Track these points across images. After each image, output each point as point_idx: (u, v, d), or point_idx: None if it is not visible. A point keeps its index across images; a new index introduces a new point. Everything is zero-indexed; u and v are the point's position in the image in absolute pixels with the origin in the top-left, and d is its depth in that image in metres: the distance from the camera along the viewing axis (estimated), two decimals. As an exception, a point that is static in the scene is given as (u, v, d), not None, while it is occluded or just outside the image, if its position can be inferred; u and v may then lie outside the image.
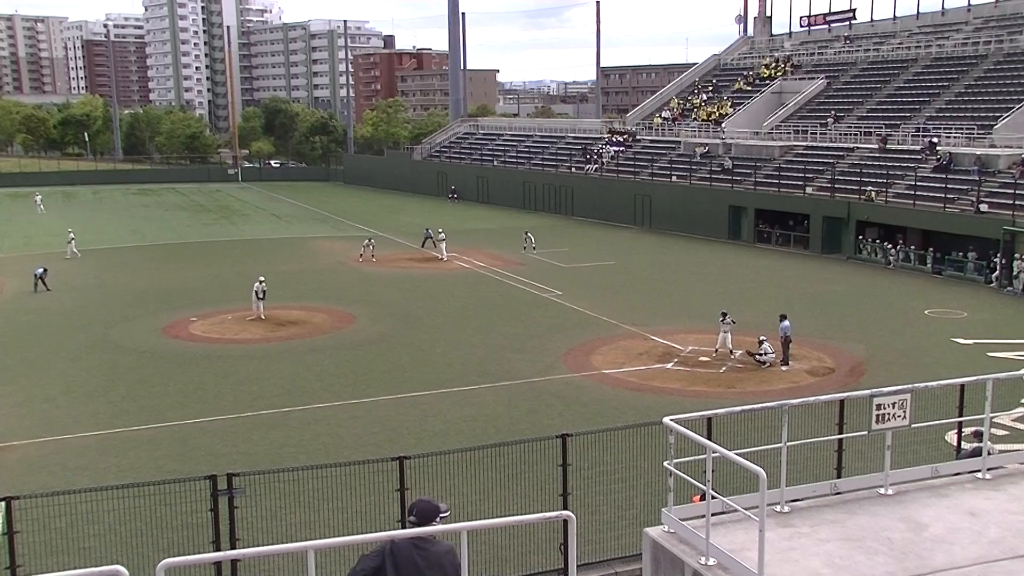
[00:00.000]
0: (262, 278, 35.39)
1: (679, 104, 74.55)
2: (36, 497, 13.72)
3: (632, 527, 14.19)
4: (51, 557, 13.63)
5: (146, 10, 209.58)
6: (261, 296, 34.49)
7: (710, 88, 74.42)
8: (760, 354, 27.51)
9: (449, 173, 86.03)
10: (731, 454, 7.37)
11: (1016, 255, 39.19)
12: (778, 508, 8.33)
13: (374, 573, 6.31)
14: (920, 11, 66.40)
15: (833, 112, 60.74)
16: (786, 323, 27.73)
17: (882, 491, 8.80)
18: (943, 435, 17.82)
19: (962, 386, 14.84)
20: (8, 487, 16.10)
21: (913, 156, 50.79)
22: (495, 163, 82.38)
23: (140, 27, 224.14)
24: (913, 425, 8.92)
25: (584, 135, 79.59)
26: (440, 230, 50.90)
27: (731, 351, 28.46)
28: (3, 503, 13.17)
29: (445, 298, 38.68)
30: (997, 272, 40.17)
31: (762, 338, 27.81)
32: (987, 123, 49.79)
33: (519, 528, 14.42)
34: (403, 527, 6.76)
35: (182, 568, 5.42)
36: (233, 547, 13.36)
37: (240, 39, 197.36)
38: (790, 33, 75.77)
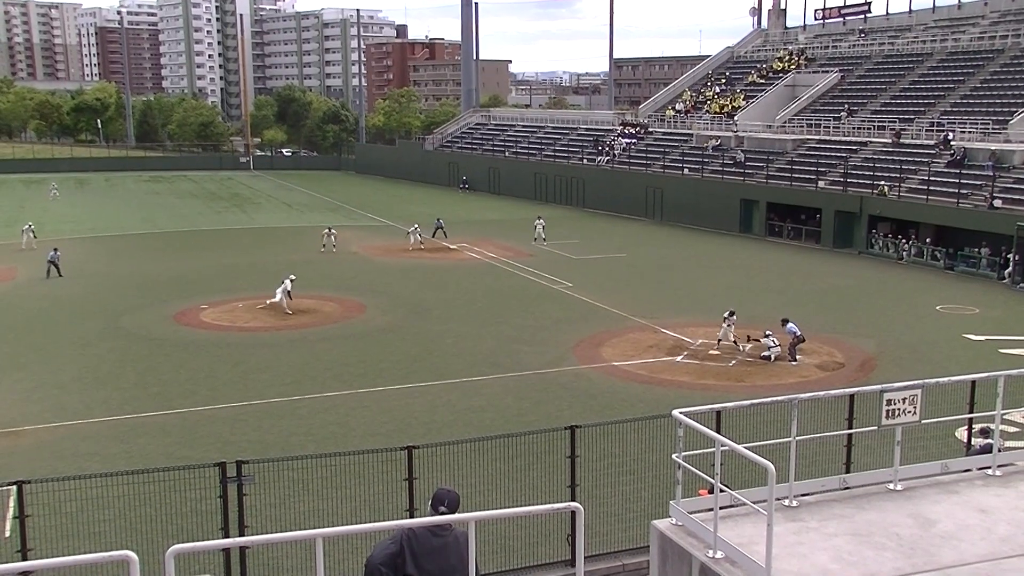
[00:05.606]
0: (293, 276, 34.46)
1: (692, 96, 74.28)
2: (47, 482, 13.80)
3: (640, 519, 14.19)
4: (62, 541, 13.71)
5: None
6: (283, 286, 33.66)
7: (723, 81, 74.14)
8: (767, 347, 27.44)
9: (460, 163, 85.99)
10: (740, 447, 7.35)
11: (1029, 251, 38.99)
12: (786, 502, 8.32)
13: (392, 559, 6.38)
14: (936, 5, 65.94)
15: (847, 106, 60.43)
16: (791, 325, 27.58)
17: (891, 486, 8.78)
18: (953, 431, 17.75)
19: (973, 382, 14.76)
20: (20, 471, 16.21)
21: (927, 151, 50.53)
22: (507, 154, 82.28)
23: (153, 14, 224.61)
24: (923, 421, 8.88)
25: (596, 127, 79.44)
26: (416, 225, 50.22)
27: (736, 343, 28.39)
28: (15, 487, 13.26)
29: (455, 289, 38.70)
30: (1010, 268, 39.96)
31: (768, 332, 27.74)
32: (1002, 118, 49.46)
33: (527, 519, 14.45)
34: (429, 514, 6.83)
35: (191, 554, 5.44)
36: (242, 534, 13.42)
37: (253, 27, 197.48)
38: (804, 26, 75.37)
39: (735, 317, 28.71)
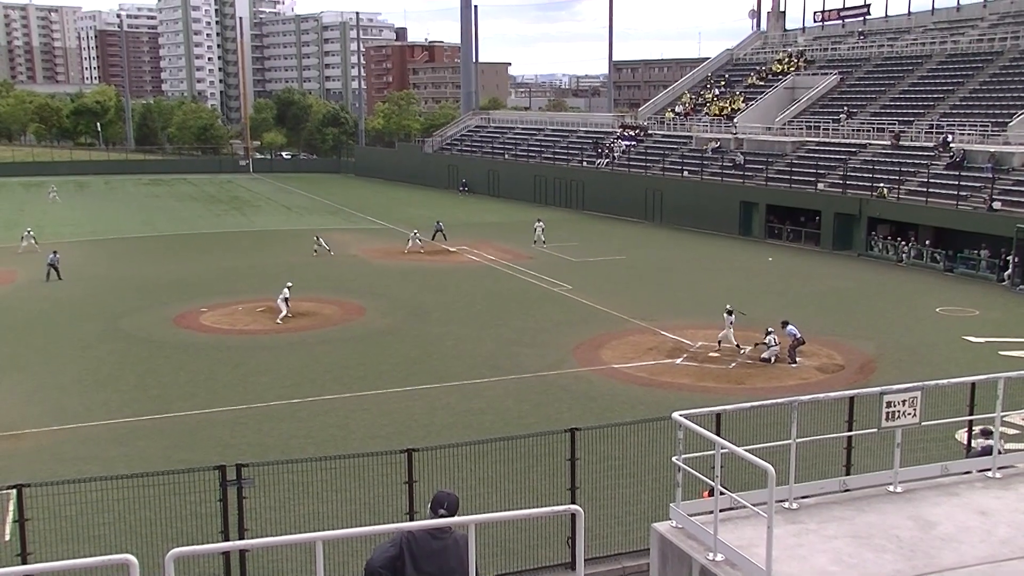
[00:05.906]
0: (290, 284, 34.33)
1: (691, 99, 74.33)
2: (47, 485, 13.80)
3: (640, 522, 14.19)
4: (61, 545, 13.71)
5: (159, 0, 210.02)
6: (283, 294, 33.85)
7: (722, 83, 74.18)
8: (765, 345, 27.45)
9: (460, 166, 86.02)
10: (740, 450, 7.35)
11: (1029, 253, 38.99)
12: (786, 505, 8.31)
13: (391, 562, 6.38)
14: (935, 7, 66.00)
15: (846, 108, 60.46)
16: (791, 327, 27.60)
17: (891, 489, 8.77)
18: (953, 433, 17.75)
19: (973, 384, 14.76)
20: (20, 475, 16.20)
21: (926, 153, 50.54)
22: (506, 156, 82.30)
23: (153, 17, 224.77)
24: (923, 423, 8.88)
25: (596, 129, 79.44)
26: (415, 229, 50.43)
27: (738, 346, 28.41)
28: (15, 491, 13.26)
29: (455, 291, 38.70)
30: (1009, 270, 39.98)
31: (769, 329, 27.75)
32: (1001, 120, 49.50)
33: (527, 521, 14.43)
34: (428, 517, 6.84)
35: (191, 557, 5.44)
36: (242, 537, 13.41)
37: (252, 30, 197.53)
38: (803, 28, 75.46)
39: (734, 317, 28.74)
